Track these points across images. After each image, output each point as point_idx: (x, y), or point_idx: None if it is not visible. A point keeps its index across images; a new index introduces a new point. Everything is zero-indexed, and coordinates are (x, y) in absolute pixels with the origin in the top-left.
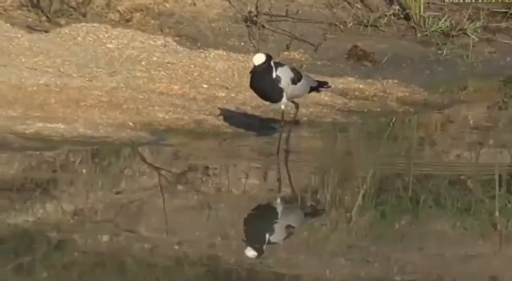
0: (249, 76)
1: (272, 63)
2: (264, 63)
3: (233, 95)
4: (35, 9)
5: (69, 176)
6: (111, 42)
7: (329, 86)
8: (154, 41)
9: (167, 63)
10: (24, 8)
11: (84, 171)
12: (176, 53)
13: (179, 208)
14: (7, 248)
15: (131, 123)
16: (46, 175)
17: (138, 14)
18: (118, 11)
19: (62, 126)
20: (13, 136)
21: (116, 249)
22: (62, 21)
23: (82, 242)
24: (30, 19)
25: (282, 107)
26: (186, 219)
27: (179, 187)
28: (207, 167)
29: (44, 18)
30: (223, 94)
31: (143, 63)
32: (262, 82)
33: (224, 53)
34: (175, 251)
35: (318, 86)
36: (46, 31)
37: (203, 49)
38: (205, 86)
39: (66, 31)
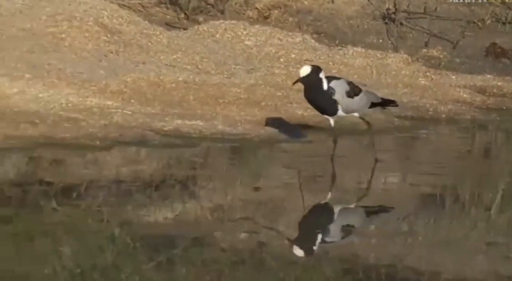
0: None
1: (322, 76)
2: (308, 75)
3: None
4: (173, 7)
5: (208, 173)
6: (249, 39)
7: (396, 105)
8: (292, 38)
9: (305, 60)
10: (163, 5)
11: (223, 168)
12: (314, 50)
13: (318, 205)
14: (147, 245)
15: None
16: (185, 172)
17: (276, 11)
18: (256, 8)
19: (201, 123)
20: (152, 133)
21: (255, 246)
22: (200, 18)
23: (221, 239)
24: (168, 17)
25: (332, 122)
26: (325, 216)
27: (318, 183)
28: (345, 164)
29: (182, 15)
30: None
31: (281, 60)
32: (314, 94)
33: (363, 50)
34: (313, 248)
35: (383, 103)
36: (184, 28)
37: (342, 46)
38: None
39: (204, 28)
